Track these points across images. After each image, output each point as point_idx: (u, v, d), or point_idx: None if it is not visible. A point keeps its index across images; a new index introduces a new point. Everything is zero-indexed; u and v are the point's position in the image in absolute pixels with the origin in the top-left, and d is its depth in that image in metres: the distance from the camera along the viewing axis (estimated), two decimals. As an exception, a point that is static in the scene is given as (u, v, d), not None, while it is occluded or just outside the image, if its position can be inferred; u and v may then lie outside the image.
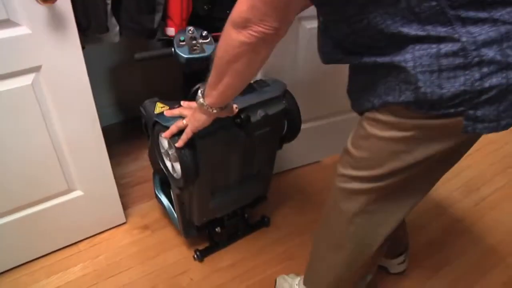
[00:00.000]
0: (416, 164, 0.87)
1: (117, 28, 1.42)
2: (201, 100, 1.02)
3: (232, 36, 0.80)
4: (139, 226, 1.66)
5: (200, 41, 1.24)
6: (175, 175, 1.26)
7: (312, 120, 1.85)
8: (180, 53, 1.23)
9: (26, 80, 1.17)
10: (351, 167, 0.98)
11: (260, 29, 0.78)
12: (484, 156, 2.10)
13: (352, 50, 0.87)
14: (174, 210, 1.50)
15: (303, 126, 1.65)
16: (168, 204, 1.57)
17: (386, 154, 0.89)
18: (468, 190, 1.91)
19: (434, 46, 0.72)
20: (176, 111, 1.18)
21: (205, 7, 1.50)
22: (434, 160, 0.87)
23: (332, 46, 0.92)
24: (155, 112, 1.24)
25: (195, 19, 1.50)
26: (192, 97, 1.11)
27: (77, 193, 1.49)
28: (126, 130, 2.19)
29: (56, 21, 1.11)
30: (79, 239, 1.59)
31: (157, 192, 1.62)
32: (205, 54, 1.24)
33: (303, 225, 1.70)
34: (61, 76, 1.21)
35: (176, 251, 1.57)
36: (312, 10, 1.21)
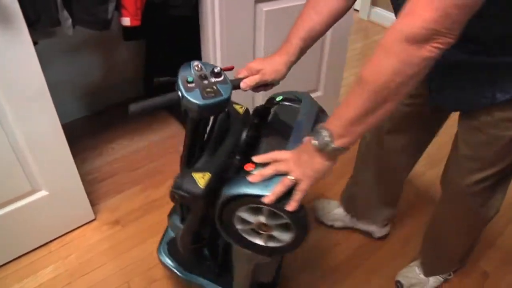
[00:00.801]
0: None
1: (70, 20, 1.37)
2: (332, 144, 0.77)
3: (410, 53, 0.66)
4: (109, 221, 1.64)
5: (213, 79, 0.92)
6: (272, 244, 0.95)
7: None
8: (192, 100, 0.88)
9: (-25, 80, 1.12)
10: (478, 170, 1.07)
11: (448, 39, 0.65)
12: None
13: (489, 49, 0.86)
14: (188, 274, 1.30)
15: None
16: (182, 271, 1.32)
17: None
18: (431, 163, 1.95)
19: None
20: (268, 171, 0.85)
21: (160, -6, 1.47)
22: None
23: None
24: (200, 186, 0.92)
25: (150, 7, 1.47)
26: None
27: (42, 193, 1.45)
28: (89, 125, 2.14)
29: (0, 17, 1.06)
30: (49, 240, 1.56)
31: (167, 261, 1.34)
32: (223, 98, 0.89)
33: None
34: (13, 74, 1.16)
35: (149, 244, 1.55)
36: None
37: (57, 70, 1.89)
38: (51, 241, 1.56)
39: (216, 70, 0.92)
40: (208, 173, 0.94)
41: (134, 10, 1.40)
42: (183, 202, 1.02)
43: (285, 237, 0.91)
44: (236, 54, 1.57)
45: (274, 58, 0.99)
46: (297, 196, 0.83)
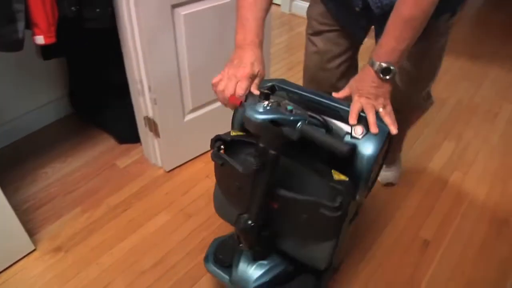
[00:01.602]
0: None
1: (-22, 45, 1.30)
2: (394, 70, 1.00)
3: None
4: (50, 249, 1.57)
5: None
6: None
7: (203, 107, 1.86)
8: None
9: None
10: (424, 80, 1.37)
11: None
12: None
13: None
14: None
15: (195, 114, 1.65)
16: (226, 275, 1.25)
17: None
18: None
19: None
20: (372, 119, 0.99)
21: (72, 8, 1.42)
22: None
23: None
24: (232, 132, 1.07)
25: (65, 22, 1.41)
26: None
27: (-29, 231, 1.36)
28: (16, 153, 2.03)
29: None
30: (-14, 279, 1.47)
31: (210, 267, 1.28)
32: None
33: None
34: None
35: (95, 266, 1.50)
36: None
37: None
38: (-10, 280, 1.47)
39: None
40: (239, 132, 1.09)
41: (47, 27, 1.35)
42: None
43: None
44: (159, 61, 1.55)
45: (255, 52, 1.04)
46: (393, 116, 1.02)
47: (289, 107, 0.92)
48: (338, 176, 0.97)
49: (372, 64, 1.01)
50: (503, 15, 3.67)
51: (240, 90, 1.01)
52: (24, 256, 1.54)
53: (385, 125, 1.00)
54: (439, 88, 2.55)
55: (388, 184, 1.83)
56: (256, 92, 1.03)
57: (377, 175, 1.15)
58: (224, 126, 1.97)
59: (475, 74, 2.73)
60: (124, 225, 1.65)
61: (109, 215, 1.70)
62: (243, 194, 1.05)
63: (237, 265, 1.18)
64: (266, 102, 0.90)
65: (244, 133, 1.09)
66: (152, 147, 1.87)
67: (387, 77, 1.00)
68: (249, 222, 1.03)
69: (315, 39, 1.38)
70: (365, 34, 1.31)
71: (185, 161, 1.94)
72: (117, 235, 1.62)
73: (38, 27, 1.35)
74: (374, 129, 0.97)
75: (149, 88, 1.62)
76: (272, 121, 0.89)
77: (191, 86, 1.71)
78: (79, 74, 2.11)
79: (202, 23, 1.60)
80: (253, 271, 1.16)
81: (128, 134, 2.01)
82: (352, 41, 1.36)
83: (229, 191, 1.16)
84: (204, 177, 1.87)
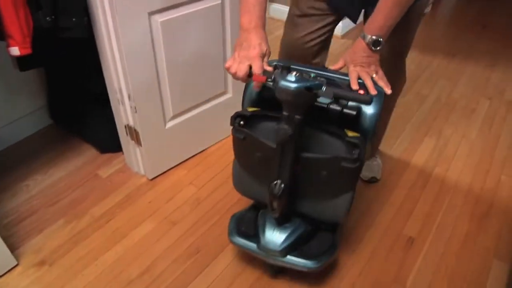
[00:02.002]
0: None
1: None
2: (383, 42, 1.17)
3: None
4: (34, 263, 1.54)
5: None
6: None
7: (184, 113, 1.86)
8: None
9: None
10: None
11: None
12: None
13: None
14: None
15: (176, 121, 1.63)
16: (253, 243, 1.37)
17: None
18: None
19: None
20: (369, 83, 1.16)
21: (47, 18, 1.40)
22: None
23: None
24: (248, 109, 1.22)
25: (40, 33, 1.40)
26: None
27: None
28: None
29: None
30: (-33, 297, 1.44)
31: (237, 240, 1.39)
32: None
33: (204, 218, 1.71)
34: None
35: (80, 278, 1.49)
36: (162, 2, 1.19)
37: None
38: (-29, 298, 1.44)
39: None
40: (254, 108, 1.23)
41: (21, 38, 1.33)
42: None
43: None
44: (138, 69, 1.54)
45: (260, 33, 1.17)
46: (385, 79, 1.19)
47: (312, 75, 1.10)
48: (351, 133, 1.14)
49: (363, 37, 1.18)
50: (476, 11, 3.74)
51: (258, 69, 1.13)
52: (6, 272, 1.51)
53: (380, 88, 1.16)
54: (419, 85, 2.59)
55: (372, 180, 1.85)
56: (269, 69, 1.15)
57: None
58: (205, 131, 1.98)
59: (452, 71, 2.78)
60: (108, 235, 1.64)
61: (93, 225, 1.68)
62: (267, 164, 1.20)
63: (263, 232, 1.33)
64: (294, 73, 1.04)
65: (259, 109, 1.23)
66: (134, 156, 1.86)
67: (378, 48, 1.17)
68: (283, 186, 1.17)
69: (301, 20, 1.48)
70: (359, 14, 1.44)
71: (168, 168, 1.94)
72: (102, 245, 1.60)
73: (13, 38, 1.33)
74: (373, 91, 1.14)
75: (129, 96, 1.61)
76: (305, 87, 1.03)
77: (171, 93, 1.71)
78: (58, 84, 2.08)
79: (180, 30, 1.59)
80: (279, 235, 1.31)
81: (109, 143, 1.99)
82: (331, 25, 1.50)
83: (250, 165, 1.28)
84: (187, 184, 1.87)
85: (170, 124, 1.80)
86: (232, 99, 1.99)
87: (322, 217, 1.30)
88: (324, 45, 1.55)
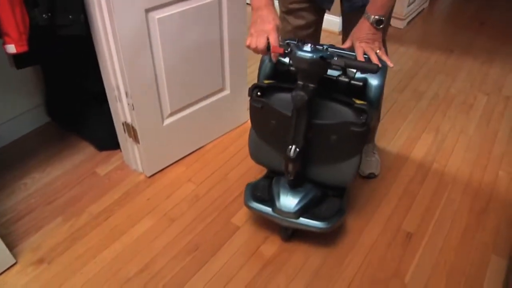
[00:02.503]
0: None
1: None
2: (383, 19, 1.27)
3: None
4: (32, 261, 1.54)
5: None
6: None
7: (182, 110, 1.85)
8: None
9: None
10: None
11: None
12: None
13: None
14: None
15: (174, 118, 1.63)
16: (268, 207, 1.49)
17: None
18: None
19: None
20: (374, 57, 1.27)
21: (44, 15, 1.40)
22: None
23: None
24: (264, 82, 1.36)
25: (36, 30, 1.39)
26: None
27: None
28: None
29: None
30: (-34, 296, 1.44)
31: (253, 204, 1.51)
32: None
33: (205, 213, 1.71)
34: None
35: (79, 276, 1.48)
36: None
37: None
38: (-31, 297, 1.44)
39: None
40: (269, 80, 1.40)
41: (18, 36, 1.33)
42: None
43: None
44: (135, 66, 1.54)
45: (271, 10, 1.27)
46: (387, 55, 1.32)
47: (325, 46, 1.26)
48: (358, 101, 1.27)
49: (368, 18, 1.28)
50: (474, 8, 3.74)
51: (275, 41, 1.23)
52: (5, 270, 1.51)
53: (384, 62, 1.28)
54: (417, 81, 2.59)
55: (371, 175, 1.85)
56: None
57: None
58: (203, 128, 1.97)
59: (450, 67, 2.78)
60: (107, 233, 1.64)
61: (91, 223, 1.68)
62: (282, 131, 1.34)
63: (278, 196, 1.45)
64: (310, 45, 1.18)
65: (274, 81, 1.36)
66: (132, 153, 1.86)
67: (380, 26, 1.28)
68: (298, 150, 1.30)
69: (288, 17, 1.58)
70: (332, 2, 1.53)
71: (166, 165, 1.93)
72: (101, 243, 1.60)
73: (9, 35, 1.32)
74: (378, 63, 1.24)
75: (126, 93, 1.60)
76: (320, 57, 1.16)
77: (168, 90, 1.71)
78: (55, 82, 2.08)
79: (177, 26, 1.59)
80: (293, 198, 1.44)
81: (107, 141, 1.99)
82: (318, 16, 1.59)
83: (266, 132, 1.43)
84: (186, 181, 1.86)
85: (168, 121, 1.79)
86: (229, 96, 1.99)
87: (331, 181, 1.43)
88: (314, 39, 1.65)
